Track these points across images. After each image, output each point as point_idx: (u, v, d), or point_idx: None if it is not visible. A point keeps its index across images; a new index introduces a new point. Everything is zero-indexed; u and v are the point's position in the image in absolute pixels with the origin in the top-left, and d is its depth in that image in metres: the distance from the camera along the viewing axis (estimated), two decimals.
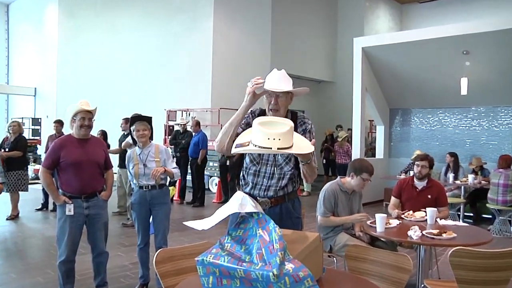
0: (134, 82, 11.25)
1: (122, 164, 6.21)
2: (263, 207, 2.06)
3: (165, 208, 3.45)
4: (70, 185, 2.99)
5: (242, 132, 2.07)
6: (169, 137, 8.59)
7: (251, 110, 2.18)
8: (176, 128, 8.66)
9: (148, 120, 3.49)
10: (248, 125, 2.10)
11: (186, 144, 7.65)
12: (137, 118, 3.49)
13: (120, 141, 6.49)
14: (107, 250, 3.20)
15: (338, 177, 3.44)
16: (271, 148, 1.57)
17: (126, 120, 6.49)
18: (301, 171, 2.01)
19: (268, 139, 1.57)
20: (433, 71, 7.60)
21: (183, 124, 7.95)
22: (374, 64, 8.13)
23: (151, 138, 3.50)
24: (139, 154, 3.44)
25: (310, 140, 2.04)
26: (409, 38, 7.40)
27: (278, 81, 1.99)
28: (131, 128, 3.45)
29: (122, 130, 6.49)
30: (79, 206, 3.00)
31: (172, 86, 10.49)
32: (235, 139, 2.02)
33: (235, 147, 1.67)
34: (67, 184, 3.00)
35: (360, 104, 7.92)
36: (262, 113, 2.14)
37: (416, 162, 3.75)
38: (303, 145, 1.72)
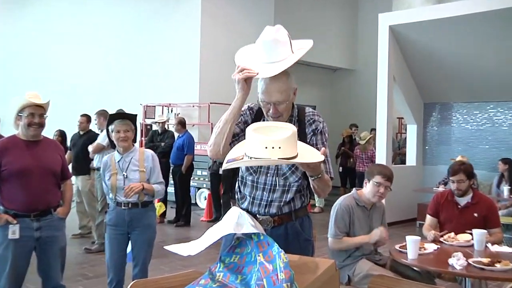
0: (101, 71, 11.29)
1: (80, 170, 6.24)
2: (264, 226, 2.08)
3: (148, 232, 3.44)
4: (15, 200, 2.95)
5: (240, 132, 2.11)
6: (146, 139, 8.62)
7: (249, 106, 2.20)
8: (154, 127, 8.70)
9: (132, 118, 3.48)
10: (246, 123, 2.13)
11: (167, 148, 7.68)
12: (117, 116, 3.48)
13: (74, 142, 6.52)
14: (64, 283, 3.19)
15: (354, 188, 3.49)
16: (270, 159, 1.59)
17: (87, 117, 6.51)
18: (312, 186, 2.04)
19: (266, 148, 1.59)
20: (482, 55, 7.57)
21: (162, 122, 7.98)
22: (405, 46, 8.15)
23: (133, 140, 3.49)
24: (118, 161, 3.44)
25: (323, 144, 2.10)
26: (450, 13, 7.32)
27: (270, 51, 1.97)
28: (109, 128, 3.44)
29: (81, 129, 6.52)
30: (27, 227, 2.95)
31: (150, 76, 10.53)
32: (232, 142, 2.06)
33: (226, 162, 1.70)
34: (10, 199, 2.96)
35: (387, 97, 7.95)
36: (262, 111, 2.16)
37: (450, 178, 3.72)
38: (309, 155, 1.74)
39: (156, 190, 3.41)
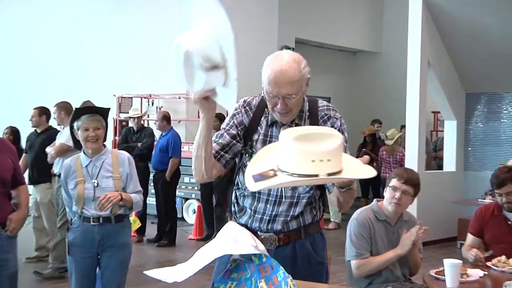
0: (65, 55, 11.27)
1: (38, 178, 6.21)
2: (268, 246, 2.09)
3: (123, 253, 3.47)
4: None
5: (230, 140, 2.15)
6: (119, 138, 8.61)
7: (245, 101, 2.26)
8: (130, 124, 8.60)
9: (103, 113, 3.50)
10: (242, 124, 2.22)
11: (145, 149, 7.68)
12: (85, 110, 3.50)
13: (30, 143, 6.51)
14: None
15: (374, 200, 3.53)
16: (317, 176, 1.61)
17: (40, 110, 6.48)
18: (335, 198, 2.09)
19: (313, 161, 1.61)
20: None
21: (137, 118, 7.96)
22: (443, 23, 8.10)
23: (104, 140, 3.51)
24: (86, 166, 3.45)
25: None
26: None
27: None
28: (74, 125, 3.47)
29: (33, 126, 6.53)
30: None
31: (126, 61, 10.54)
32: (221, 156, 2.10)
33: (255, 181, 1.71)
34: None
35: (419, 86, 7.89)
36: (264, 104, 2.19)
37: (495, 191, 3.68)
38: (356, 167, 1.77)
39: (135, 200, 3.43)
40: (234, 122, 2.21)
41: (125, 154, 3.57)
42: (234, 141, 2.18)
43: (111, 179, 3.40)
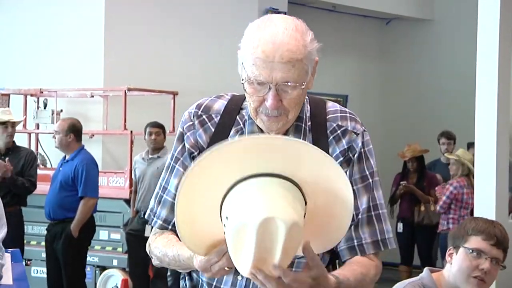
0: None
1: None
2: None
3: None
4: None
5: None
6: None
7: (200, 106, 2.33)
8: None
9: None
10: (197, 148, 2.29)
11: (34, 186, 7.85)
12: None
13: None
14: None
15: (425, 269, 3.64)
16: None
17: None
18: None
19: None
20: None
21: (10, 126, 8.03)
22: None
23: None
24: None
25: (366, 185, 2.25)
26: None
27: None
28: None
29: None
30: None
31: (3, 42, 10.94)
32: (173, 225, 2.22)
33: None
34: None
35: (497, 74, 7.92)
36: (235, 109, 2.31)
37: None
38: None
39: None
40: (186, 149, 2.28)
41: None
42: None
43: None
